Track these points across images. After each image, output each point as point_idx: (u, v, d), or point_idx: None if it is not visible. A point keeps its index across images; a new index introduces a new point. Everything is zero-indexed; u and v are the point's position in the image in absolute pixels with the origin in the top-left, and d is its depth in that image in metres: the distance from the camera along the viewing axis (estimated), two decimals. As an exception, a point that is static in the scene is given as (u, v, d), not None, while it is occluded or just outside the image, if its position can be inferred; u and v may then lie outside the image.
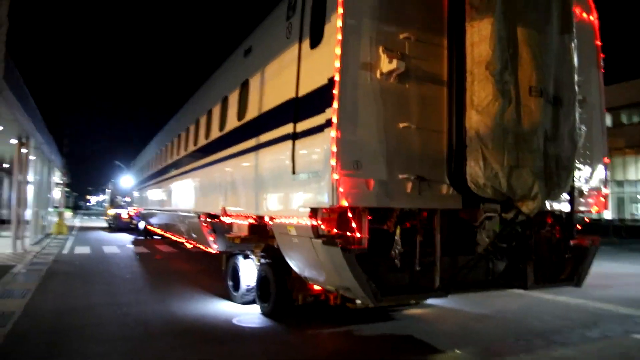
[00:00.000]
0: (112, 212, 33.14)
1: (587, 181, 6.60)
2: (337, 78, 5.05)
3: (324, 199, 5.14)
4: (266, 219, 6.93)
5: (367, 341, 6.62)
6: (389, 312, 7.93)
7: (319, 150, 5.32)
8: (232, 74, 9.15)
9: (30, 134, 16.65)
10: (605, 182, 6.79)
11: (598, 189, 6.70)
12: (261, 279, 7.81)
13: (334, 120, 5.00)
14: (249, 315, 7.60)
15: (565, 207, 6.27)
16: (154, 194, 18.62)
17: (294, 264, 6.51)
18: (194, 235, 11.98)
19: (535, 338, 6.60)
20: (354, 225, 5.22)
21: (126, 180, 33.64)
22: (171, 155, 15.02)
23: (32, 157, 18.70)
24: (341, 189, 4.94)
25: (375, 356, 6.05)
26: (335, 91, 5.03)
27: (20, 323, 6.93)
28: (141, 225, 24.74)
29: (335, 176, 4.93)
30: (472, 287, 6.27)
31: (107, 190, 44.89)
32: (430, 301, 8.57)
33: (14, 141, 16.64)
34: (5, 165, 25.60)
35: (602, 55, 6.86)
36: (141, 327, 7.00)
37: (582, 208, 6.57)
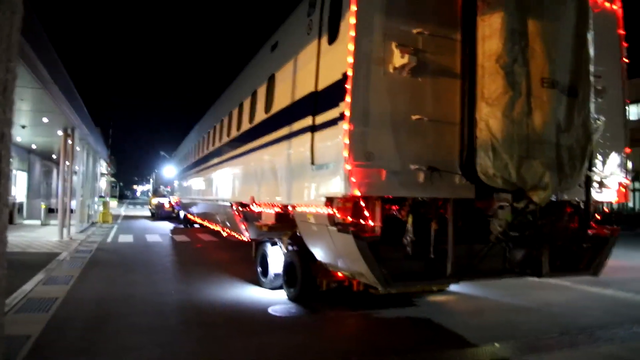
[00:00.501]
0: (155, 201, 34.54)
1: (607, 171, 6.66)
2: (349, 73, 5.33)
3: (338, 189, 5.46)
4: (289, 207, 7.30)
5: (394, 329, 6.71)
6: (412, 299, 8.17)
7: (334, 142, 5.63)
8: (261, 68, 9.55)
9: (75, 126, 17.18)
10: (626, 172, 6.82)
11: (619, 179, 6.74)
12: (288, 266, 8.19)
13: (347, 113, 5.30)
14: (283, 305, 7.74)
15: (582, 196, 6.36)
16: (192, 184, 19.39)
17: (314, 251, 6.87)
18: (228, 224, 12.55)
19: (580, 333, 6.40)
20: (367, 213, 5.52)
21: (168, 170, 34.82)
22: (207, 147, 15.64)
23: (77, 148, 19.33)
24: (353, 179, 5.23)
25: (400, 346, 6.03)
26: (348, 86, 5.32)
27: (61, 310, 7.16)
28: (181, 214, 25.73)
29: (348, 167, 5.24)
30: (485, 274, 6.45)
31: (151, 180, 46.65)
32: (469, 291, 8.77)
33: (60, 133, 17.36)
34: (54, 157, 26.87)
35: (625, 45, 6.87)
36: (178, 316, 7.15)
37: (601, 198, 6.64)
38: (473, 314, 7.62)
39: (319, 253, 6.75)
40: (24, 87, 11.00)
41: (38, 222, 22.23)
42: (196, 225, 22.95)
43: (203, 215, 17.92)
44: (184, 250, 15.91)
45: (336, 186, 5.51)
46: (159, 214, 32.08)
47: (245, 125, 10.12)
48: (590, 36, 5.65)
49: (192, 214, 21.50)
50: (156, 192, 36.52)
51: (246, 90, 10.39)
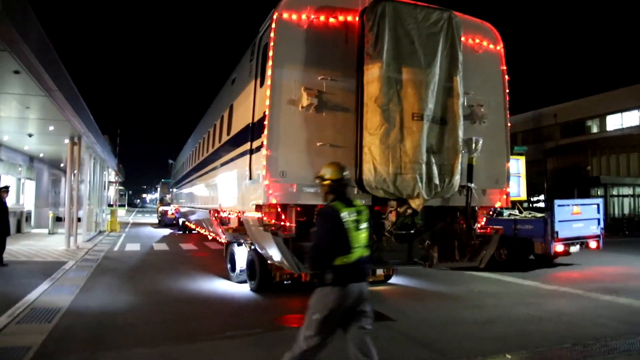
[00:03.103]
0: (161, 209, 38.16)
1: (490, 182, 8.68)
2: (267, 112, 7.48)
3: (262, 198, 7.61)
4: (241, 213, 9.48)
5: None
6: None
7: (260, 163, 7.76)
8: (225, 98, 11.87)
9: (81, 134, 17.65)
10: (507, 183, 8.82)
11: (500, 188, 8.75)
12: (249, 262, 10.42)
13: (265, 142, 7.46)
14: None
15: (472, 202, 8.33)
16: (185, 193, 22.09)
17: (258, 248, 9.02)
18: (210, 228, 14.86)
19: (593, 344, 6.43)
20: (284, 216, 7.67)
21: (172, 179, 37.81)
22: (194, 160, 18.26)
23: (84, 157, 20.11)
24: (270, 191, 7.39)
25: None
26: (266, 122, 7.47)
27: (64, 320, 7.46)
28: (180, 221, 28.53)
29: (266, 182, 7.39)
30: (384, 263, 8.53)
31: (158, 188, 49.95)
32: (481, 301, 9.65)
33: (66, 141, 18.11)
34: (62, 165, 28.20)
35: (506, 78, 8.92)
36: (182, 326, 7.44)
37: (485, 203, 8.67)
38: (484, 323, 7.86)
39: (261, 249, 8.89)
40: (29, 94, 11.98)
41: (46, 230, 23.55)
42: (194, 232, 25.20)
43: (195, 222, 20.42)
44: (189, 258, 16.64)
45: (261, 196, 7.65)
46: (163, 221, 35.77)
47: (216, 144, 12.48)
48: (459, 77, 7.74)
49: (188, 220, 24.01)
50: (162, 201, 39.78)
51: (217, 113, 12.77)
